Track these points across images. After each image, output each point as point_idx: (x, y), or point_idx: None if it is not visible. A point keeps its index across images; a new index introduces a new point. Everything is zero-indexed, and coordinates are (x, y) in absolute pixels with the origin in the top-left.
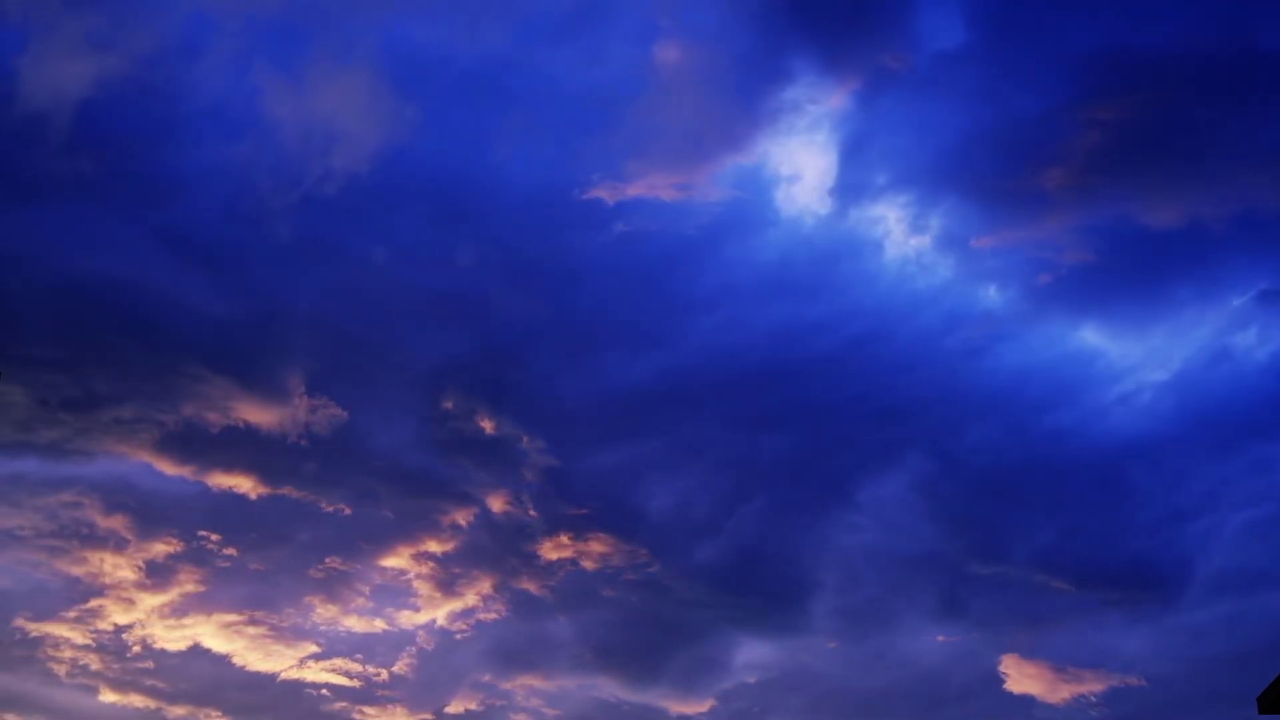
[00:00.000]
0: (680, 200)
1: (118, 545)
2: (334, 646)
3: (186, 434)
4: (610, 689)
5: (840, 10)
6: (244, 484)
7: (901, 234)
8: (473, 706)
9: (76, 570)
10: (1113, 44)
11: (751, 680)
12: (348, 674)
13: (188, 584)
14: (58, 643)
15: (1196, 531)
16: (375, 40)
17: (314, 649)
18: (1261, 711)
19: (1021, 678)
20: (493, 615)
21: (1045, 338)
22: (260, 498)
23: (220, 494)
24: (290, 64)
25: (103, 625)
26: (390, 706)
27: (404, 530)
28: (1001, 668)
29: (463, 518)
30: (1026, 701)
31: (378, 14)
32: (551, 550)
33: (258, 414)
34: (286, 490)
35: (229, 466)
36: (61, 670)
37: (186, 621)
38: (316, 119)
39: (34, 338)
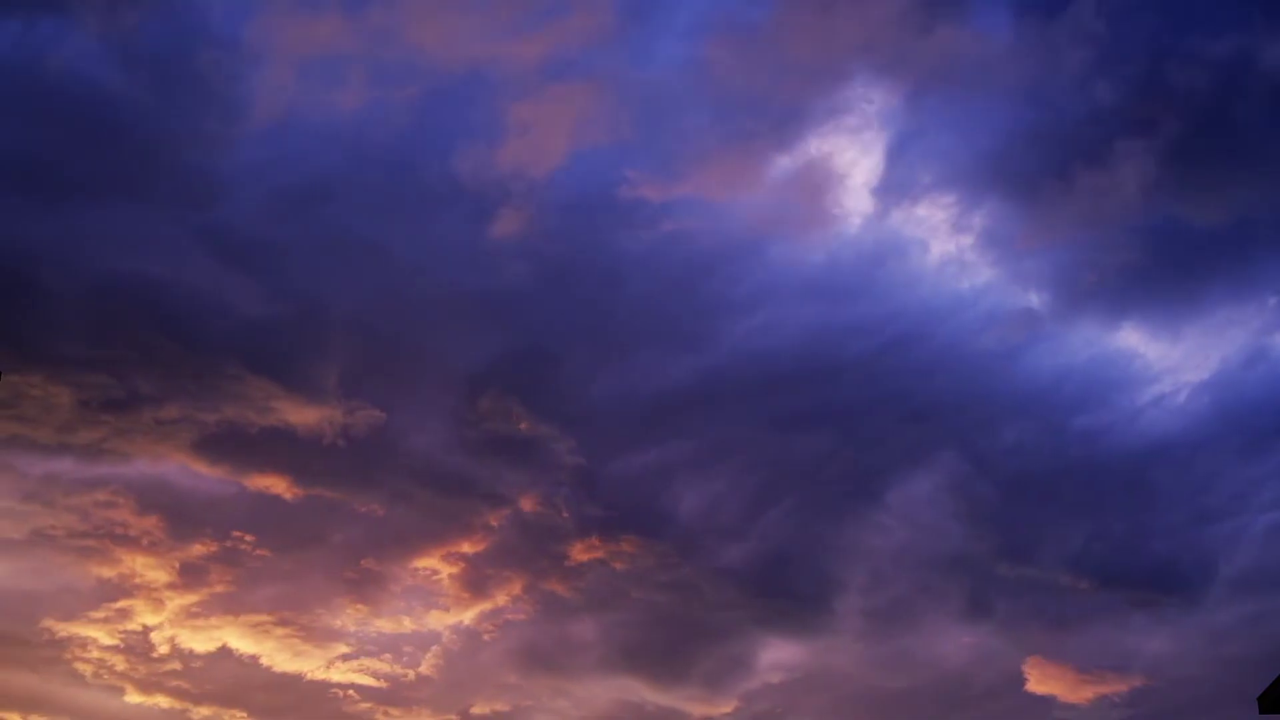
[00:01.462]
0: (728, 200)
1: (150, 545)
2: (363, 647)
3: (224, 434)
4: (636, 690)
5: (892, 10)
6: (279, 485)
7: (946, 234)
8: (499, 707)
9: (107, 571)
10: (1157, 46)
11: (776, 681)
12: (375, 675)
13: (218, 585)
14: (85, 643)
15: (1224, 532)
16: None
17: (343, 650)
18: (1262, 711)
19: (1045, 679)
20: (521, 616)
21: (1084, 338)
22: (295, 498)
23: (255, 494)
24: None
25: (131, 626)
26: (416, 708)
27: (436, 531)
28: (1025, 669)
29: (494, 518)
30: (1048, 702)
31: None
32: (582, 551)
33: (297, 414)
34: (320, 491)
35: (265, 467)
36: (88, 671)
37: (215, 622)
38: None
39: (76, 338)
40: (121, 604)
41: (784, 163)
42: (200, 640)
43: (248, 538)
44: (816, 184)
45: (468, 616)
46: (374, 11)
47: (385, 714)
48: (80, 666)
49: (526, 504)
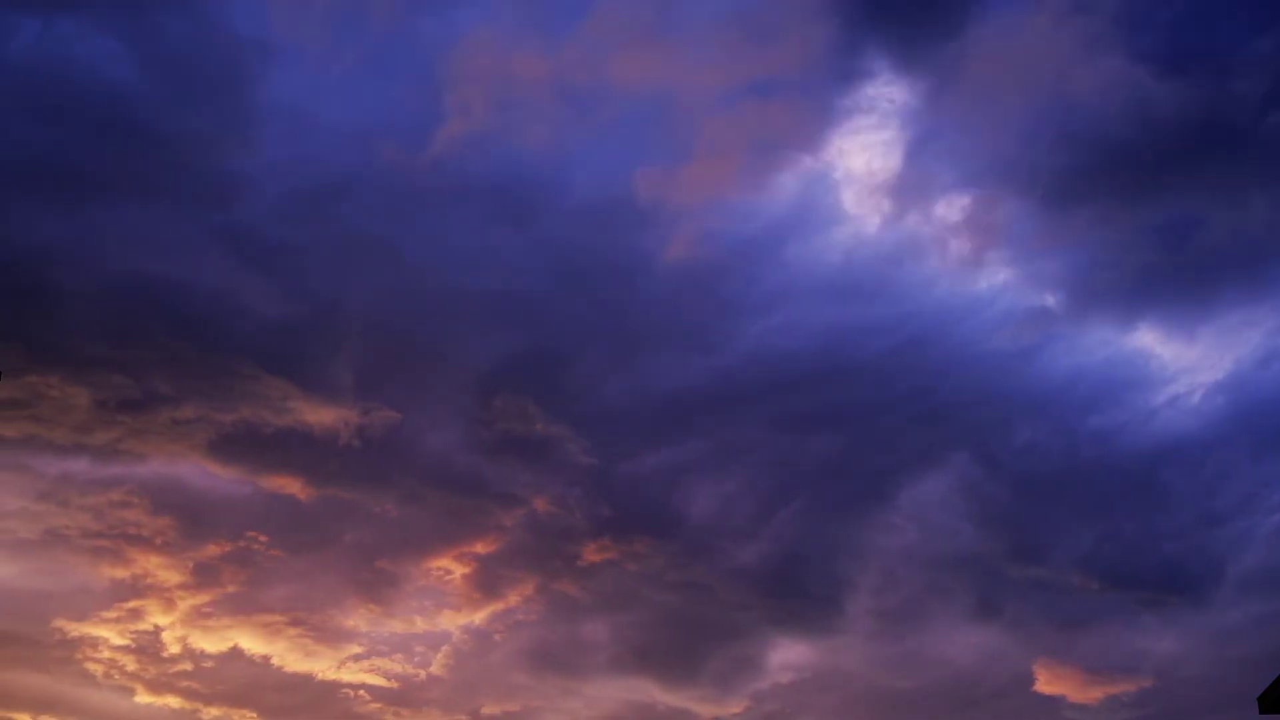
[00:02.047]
0: (748, 200)
1: (163, 545)
2: (374, 647)
3: (240, 435)
4: (647, 690)
5: (912, 8)
6: (293, 485)
7: (962, 233)
8: (510, 708)
9: (119, 571)
10: (1174, 44)
11: (786, 681)
12: (386, 675)
13: (230, 585)
14: (96, 643)
15: (1234, 533)
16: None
17: (355, 650)
18: (1262, 711)
19: (1054, 679)
20: (532, 616)
21: (1098, 339)
22: (309, 499)
23: (270, 495)
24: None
25: (142, 626)
26: (426, 708)
27: (449, 531)
28: (1034, 669)
29: (508, 519)
30: (1057, 702)
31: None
32: (594, 552)
33: (313, 415)
34: (335, 491)
35: (280, 467)
36: (98, 671)
37: (226, 622)
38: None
39: (93, 338)
40: (133, 604)
41: (802, 162)
42: (211, 640)
43: (261, 538)
44: (834, 183)
45: (479, 617)
46: (573, 44)
47: (395, 714)
48: (91, 666)
49: (539, 504)
